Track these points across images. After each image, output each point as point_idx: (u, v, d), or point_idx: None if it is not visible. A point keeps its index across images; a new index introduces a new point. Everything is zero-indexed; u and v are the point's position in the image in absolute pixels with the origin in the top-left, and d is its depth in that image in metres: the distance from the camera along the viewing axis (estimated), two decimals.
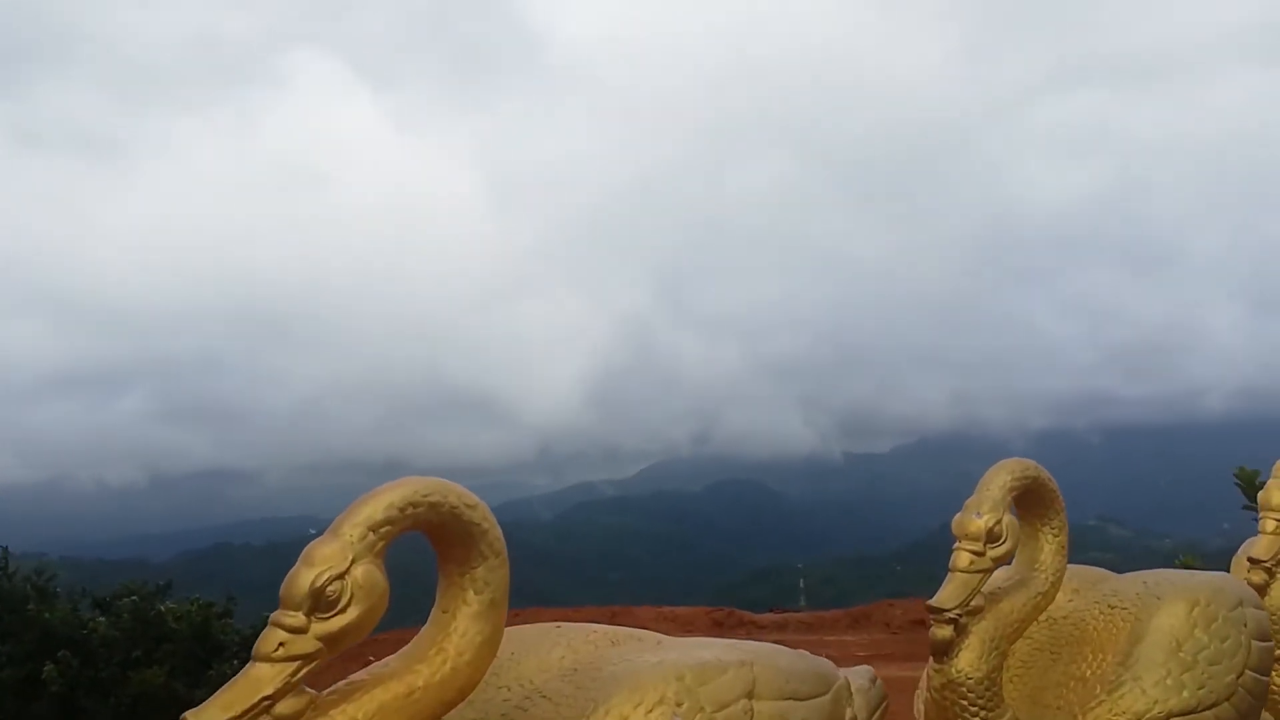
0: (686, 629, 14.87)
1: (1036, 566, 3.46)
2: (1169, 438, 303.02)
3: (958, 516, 3.25)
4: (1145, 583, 3.56)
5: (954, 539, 3.25)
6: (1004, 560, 3.25)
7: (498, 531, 2.38)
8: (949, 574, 3.21)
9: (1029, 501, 3.40)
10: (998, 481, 3.26)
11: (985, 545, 3.17)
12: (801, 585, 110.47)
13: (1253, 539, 4.23)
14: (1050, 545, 3.48)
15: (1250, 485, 6.20)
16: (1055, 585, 3.46)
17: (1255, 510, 4.96)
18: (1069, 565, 3.57)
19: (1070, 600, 3.61)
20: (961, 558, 3.18)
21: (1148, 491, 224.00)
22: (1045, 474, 3.42)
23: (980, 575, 3.19)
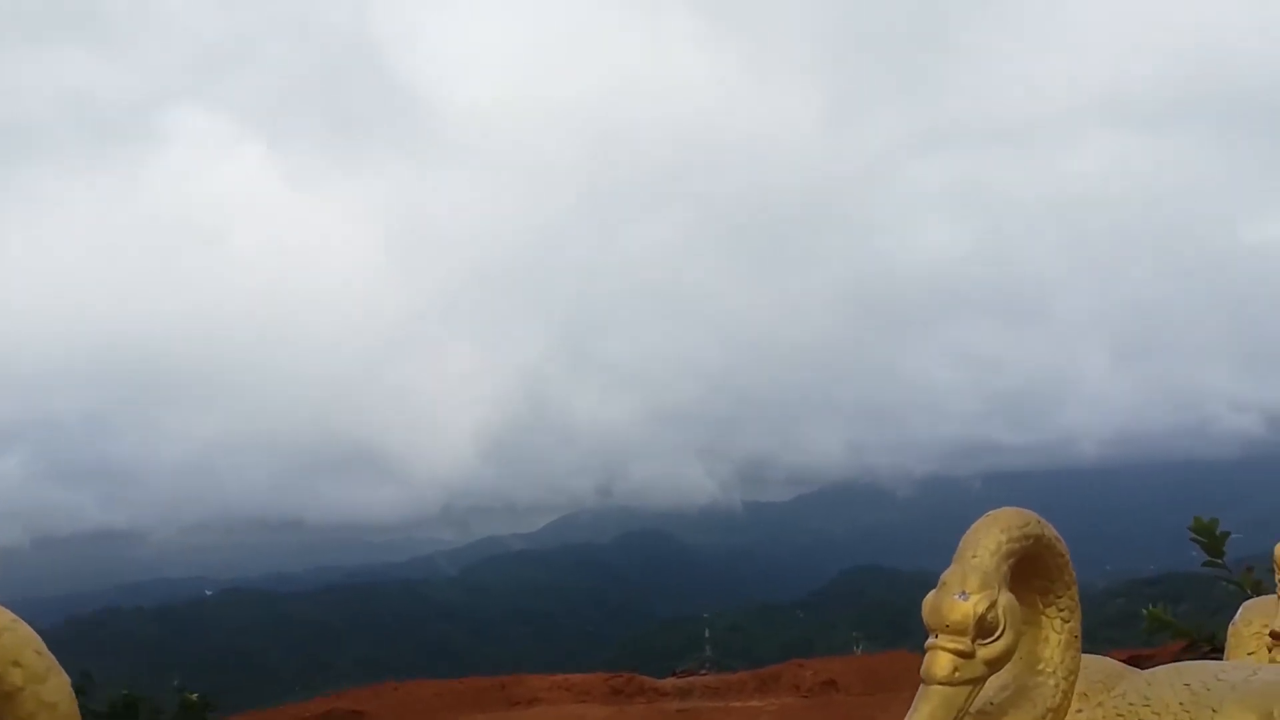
0: (583, 697, 14.54)
1: (1040, 667, 2.57)
2: (1046, 483, 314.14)
3: (932, 597, 2.33)
4: (1188, 685, 2.58)
5: (924, 626, 2.34)
6: (1001, 664, 2.30)
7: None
8: (922, 687, 2.27)
9: (1028, 571, 2.49)
10: (987, 543, 2.37)
11: (974, 641, 2.24)
12: (707, 635, 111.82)
13: (1257, 601, 3.49)
14: (1058, 636, 2.60)
15: (1211, 536, 4.96)
16: (1068, 696, 2.60)
17: (1219, 566, 4.95)
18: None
19: (1080, 711, 2.67)
20: (941, 662, 2.25)
21: None
22: (1050, 530, 2.52)
23: (968, 688, 2.26)
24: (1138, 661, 3.82)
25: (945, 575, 2.36)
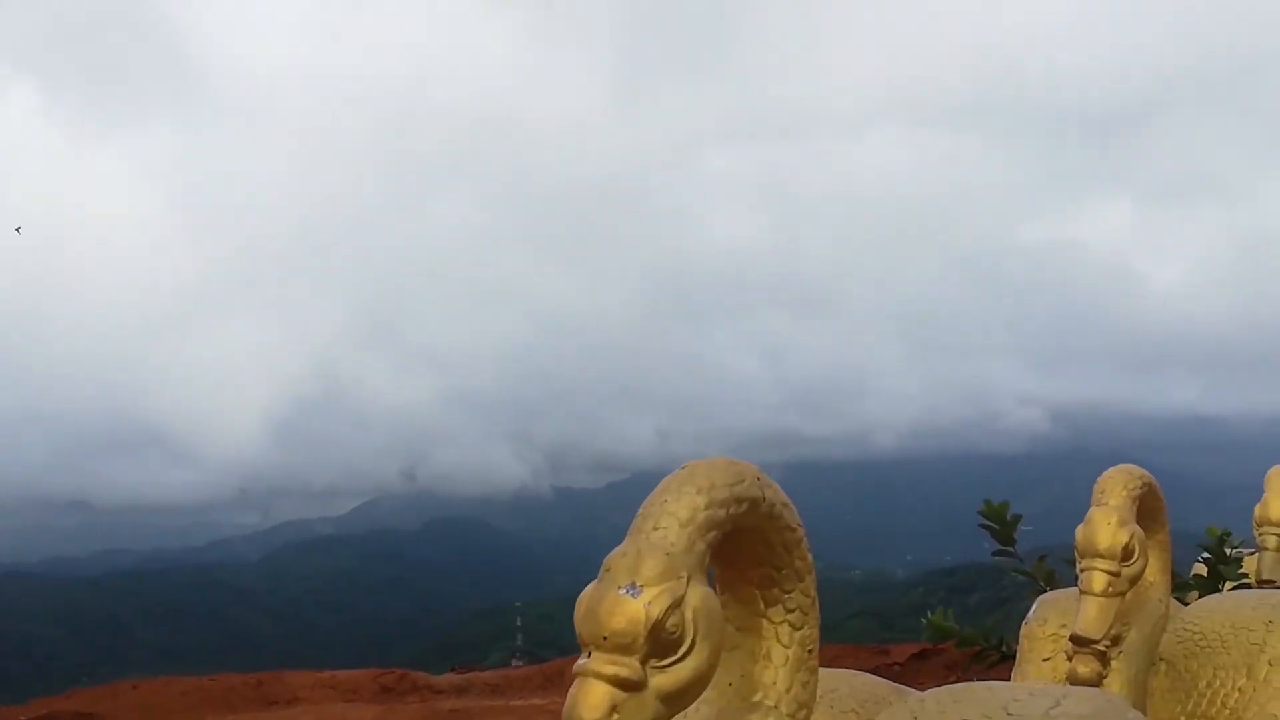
0: (350, 696, 13.42)
1: (758, 698, 2.16)
2: (846, 473, 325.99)
3: (589, 592, 1.88)
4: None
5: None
6: (687, 699, 1.87)
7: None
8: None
9: (743, 553, 2.13)
10: (677, 509, 1.89)
11: (645, 663, 1.76)
12: (519, 624, 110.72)
13: (1054, 596, 3.38)
14: (784, 650, 2.17)
15: (1001, 521, 4.57)
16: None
17: (1010, 555, 4.58)
18: None
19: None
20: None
21: (832, 525, 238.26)
22: (775, 492, 2.16)
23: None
24: (925, 657, 4.54)
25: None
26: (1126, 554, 2.68)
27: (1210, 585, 4.32)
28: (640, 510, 1.72)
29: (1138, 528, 2.73)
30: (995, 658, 4.46)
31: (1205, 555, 4.46)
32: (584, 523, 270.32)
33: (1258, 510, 3.96)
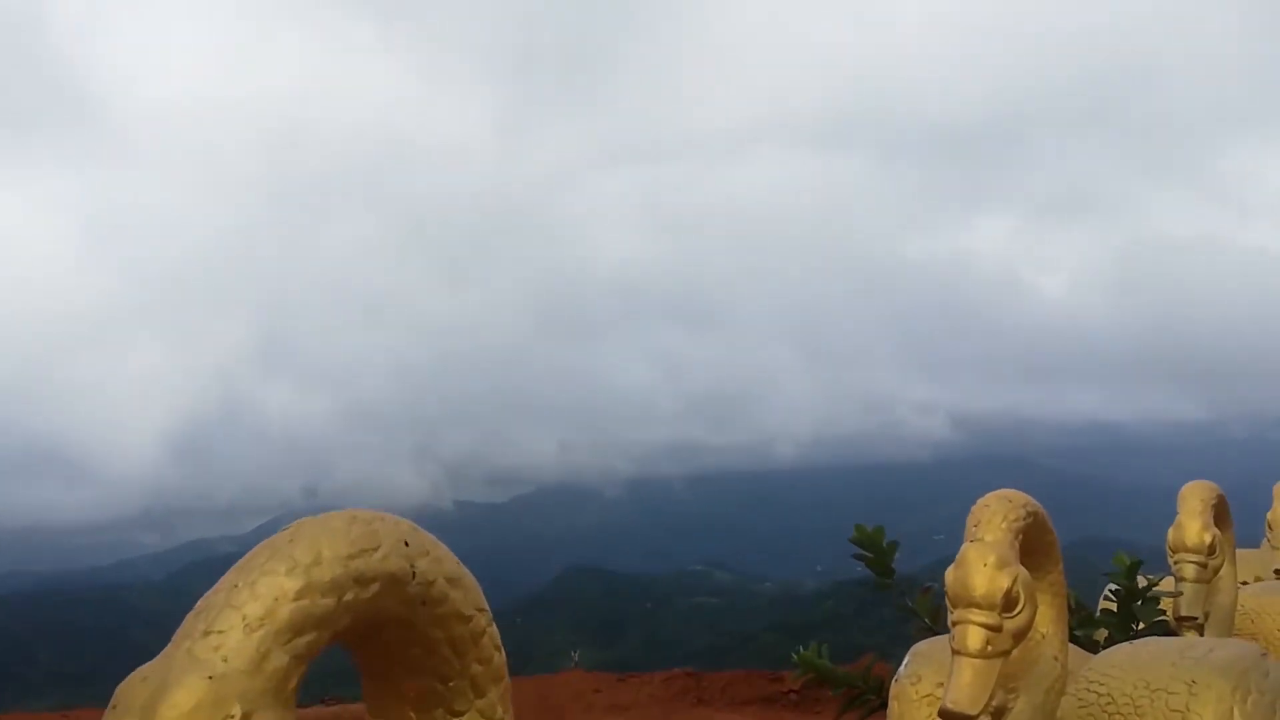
0: None
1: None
2: (748, 484, 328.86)
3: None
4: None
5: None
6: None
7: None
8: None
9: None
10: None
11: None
12: None
13: (928, 646, 3.03)
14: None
15: (877, 548, 4.02)
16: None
17: (888, 587, 3.94)
18: None
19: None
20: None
21: (740, 535, 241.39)
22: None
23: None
24: (823, 684, 3.70)
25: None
26: (1009, 603, 2.24)
27: (1122, 624, 3.87)
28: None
29: (1022, 569, 2.30)
30: (875, 703, 3.74)
31: (1114, 588, 3.94)
32: (487, 537, 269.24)
33: (1171, 534, 3.49)
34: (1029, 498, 2.53)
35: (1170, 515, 3.62)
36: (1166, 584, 3.88)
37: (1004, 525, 2.39)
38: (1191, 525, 3.38)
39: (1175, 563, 3.53)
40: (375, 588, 1.27)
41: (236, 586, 1.27)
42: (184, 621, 1.28)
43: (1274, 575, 4.66)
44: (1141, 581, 3.97)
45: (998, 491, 2.51)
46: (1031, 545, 2.51)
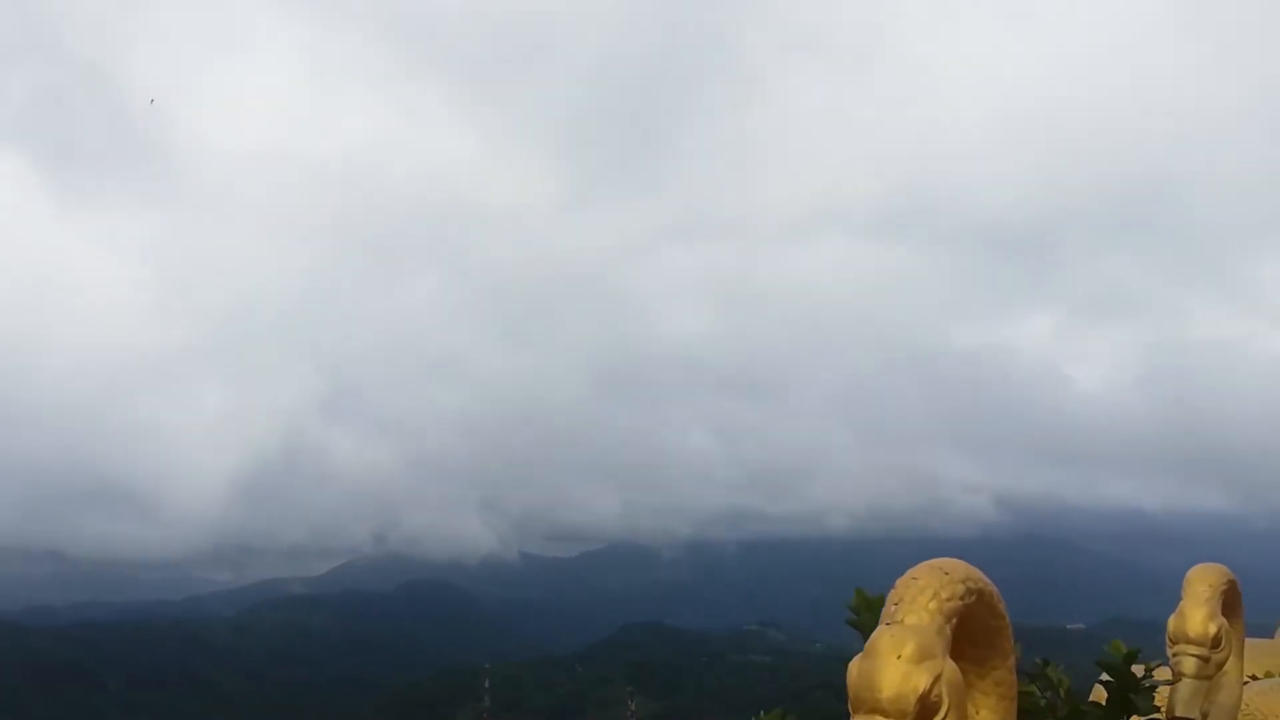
0: None
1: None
2: (801, 550, 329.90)
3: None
4: None
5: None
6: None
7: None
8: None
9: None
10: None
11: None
12: (487, 685, 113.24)
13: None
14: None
15: (870, 612, 3.96)
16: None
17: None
18: None
19: None
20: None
21: (791, 599, 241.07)
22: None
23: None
24: None
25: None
26: (925, 710, 1.96)
27: (1115, 716, 3.50)
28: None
29: (950, 664, 1.98)
30: None
31: (1105, 679, 3.56)
32: (554, 589, 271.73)
33: (1172, 623, 3.20)
34: (973, 570, 2.15)
35: None
36: (1163, 673, 3.44)
37: (933, 605, 2.00)
38: (1195, 614, 2.99)
39: (1174, 654, 3.19)
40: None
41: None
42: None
43: None
44: (1140, 671, 3.51)
45: (932, 561, 2.12)
46: (973, 632, 2.13)
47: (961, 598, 2.06)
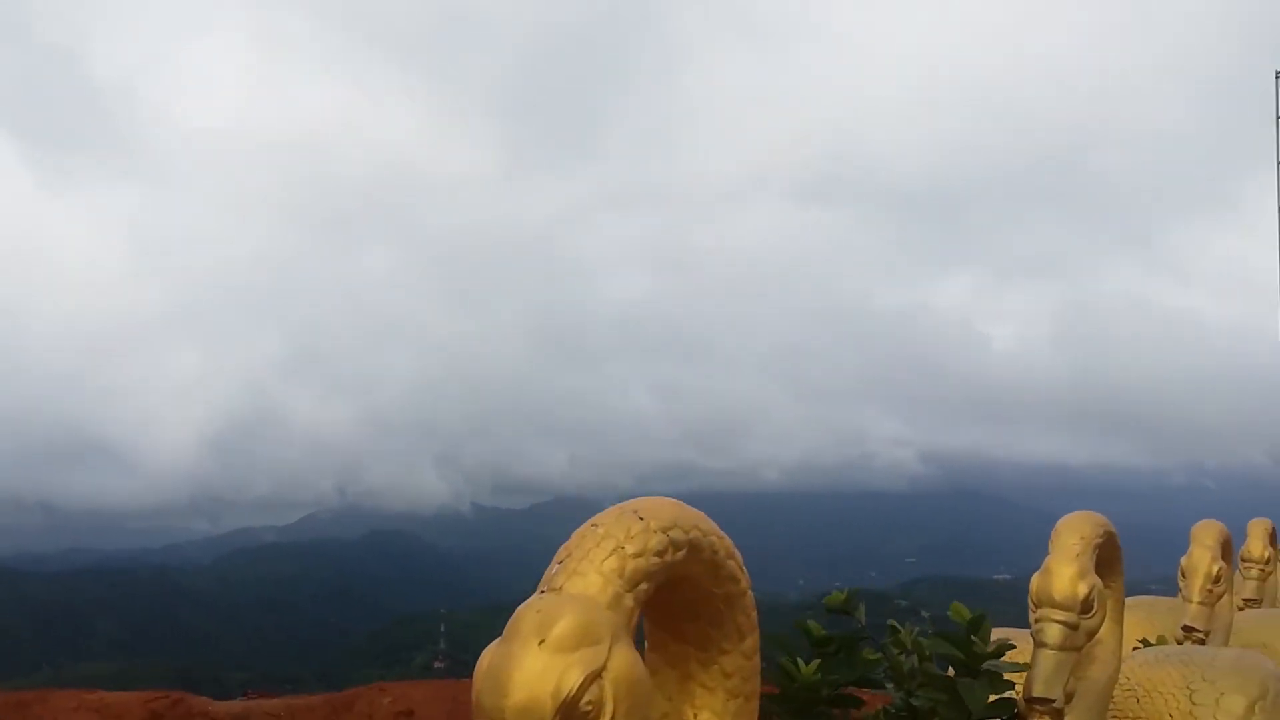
0: None
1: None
2: (738, 504, 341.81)
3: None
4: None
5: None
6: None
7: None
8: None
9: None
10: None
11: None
12: (443, 630, 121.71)
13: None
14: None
15: (849, 611, 3.17)
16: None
17: (866, 638, 3.04)
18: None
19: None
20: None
21: None
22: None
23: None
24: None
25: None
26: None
27: (951, 709, 2.72)
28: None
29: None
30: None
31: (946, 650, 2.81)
32: (507, 539, 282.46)
33: (1035, 582, 2.68)
34: (688, 513, 1.81)
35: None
36: (1022, 652, 2.73)
37: (611, 564, 1.63)
38: (1063, 571, 2.43)
39: (1036, 621, 2.62)
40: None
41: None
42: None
43: (1181, 633, 4.06)
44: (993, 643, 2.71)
45: (630, 502, 1.81)
46: (691, 601, 1.84)
47: (660, 553, 1.57)
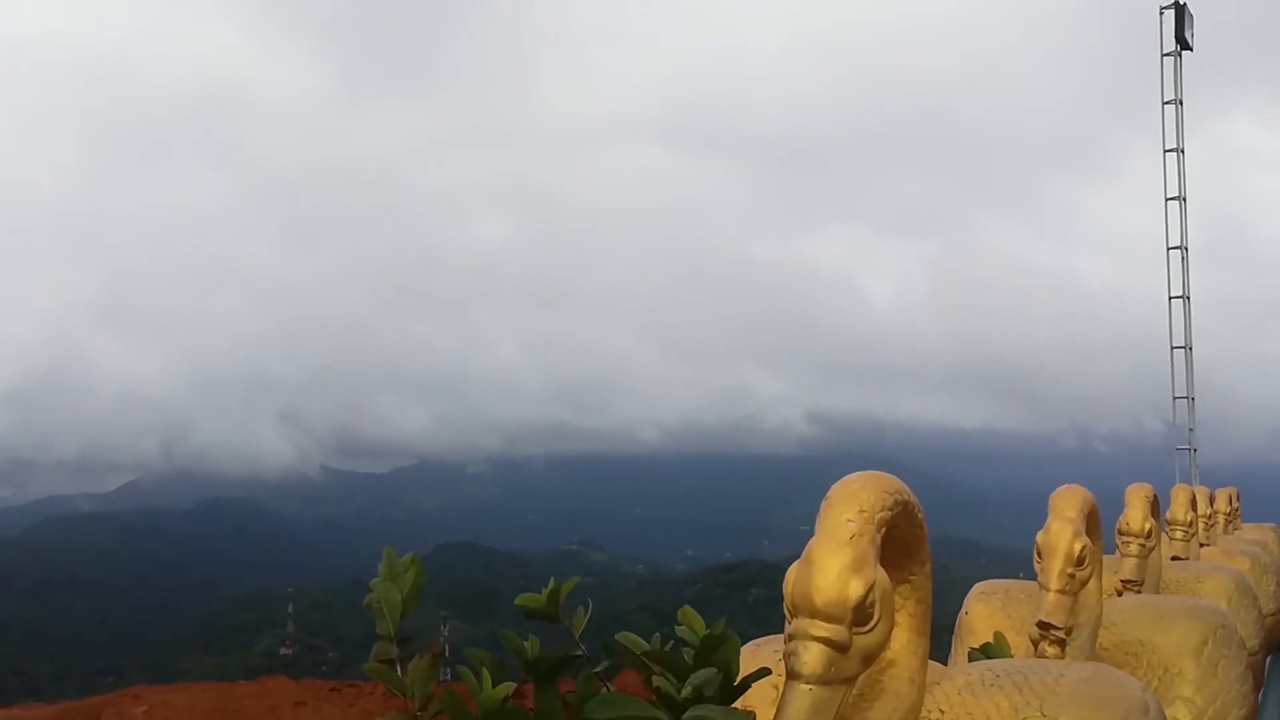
0: None
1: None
2: (612, 467, 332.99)
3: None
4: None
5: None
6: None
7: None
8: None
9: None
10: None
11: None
12: (291, 610, 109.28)
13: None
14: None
15: (549, 613, 2.55)
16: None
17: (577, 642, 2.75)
18: None
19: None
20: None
21: (610, 518, 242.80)
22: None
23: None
24: None
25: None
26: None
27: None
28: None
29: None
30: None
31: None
32: (364, 506, 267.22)
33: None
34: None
35: (1013, 519, 3.53)
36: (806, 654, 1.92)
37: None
38: (828, 562, 1.89)
39: (789, 638, 1.99)
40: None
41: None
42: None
43: (1121, 586, 4.54)
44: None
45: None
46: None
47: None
